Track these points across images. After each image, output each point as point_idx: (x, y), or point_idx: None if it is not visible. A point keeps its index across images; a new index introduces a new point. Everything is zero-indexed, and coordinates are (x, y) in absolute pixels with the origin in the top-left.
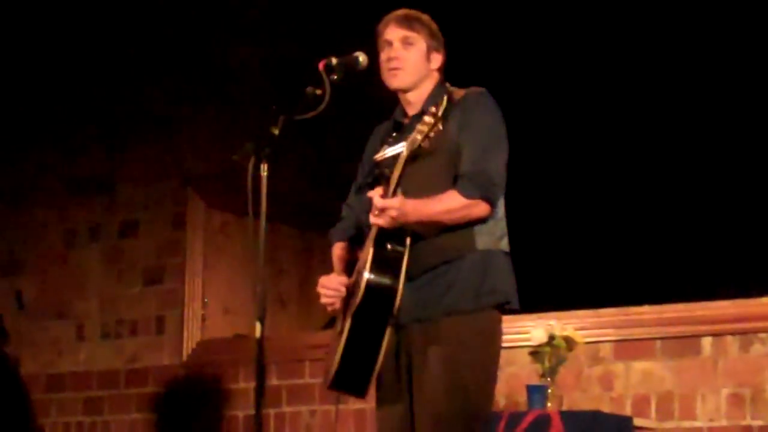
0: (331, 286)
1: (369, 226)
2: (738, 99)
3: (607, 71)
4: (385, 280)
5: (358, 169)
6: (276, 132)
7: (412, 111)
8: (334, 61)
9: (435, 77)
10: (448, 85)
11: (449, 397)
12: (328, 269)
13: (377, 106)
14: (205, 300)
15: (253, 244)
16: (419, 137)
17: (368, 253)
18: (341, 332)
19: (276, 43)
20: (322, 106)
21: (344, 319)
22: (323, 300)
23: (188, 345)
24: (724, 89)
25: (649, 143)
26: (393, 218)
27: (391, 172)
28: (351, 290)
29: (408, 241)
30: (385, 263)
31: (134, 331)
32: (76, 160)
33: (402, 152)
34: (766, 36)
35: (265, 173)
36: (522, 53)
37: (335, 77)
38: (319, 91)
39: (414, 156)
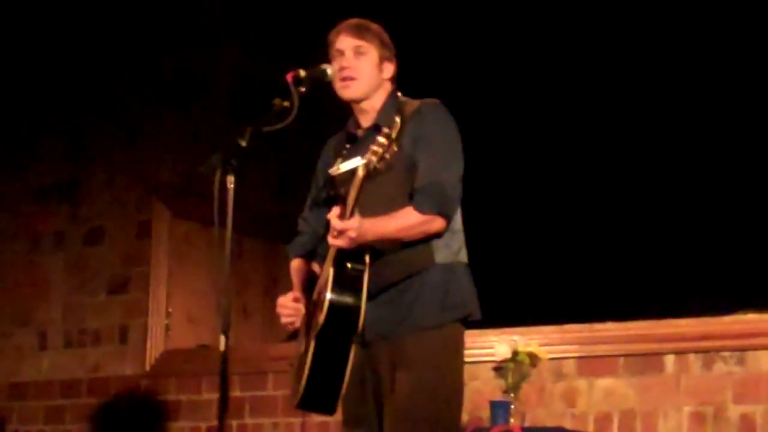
0: (289, 306)
1: (328, 246)
2: (704, 116)
3: (567, 76)
4: (348, 299)
5: (312, 182)
6: (243, 144)
7: (365, 122)
8: (302, 73)
9: (387, 87)
10: (400, 95)
11: (417, 413)
12: (291, 283)
13: (343, 118)
14: (169, 310)
15: (218, 257)
16: (374, 159)
17: (328, 273)
18: (305, 351)
19: (242, 53)
20: (290, 118)
21: (308, 338)
22: (282, 320)
23: (151, 355)
24: (693, 106)
25: (614, 160)
26: (352, 239)
27: (347, 193)
28: (313, 308)
29: (367, 258)
30: (346, 282)
31: (97, 340)
32: (41, 168)
33: (357, 173)
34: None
35: (232, 185)
36: (477, 61)
37: (303, 89)
38: (286, 103)
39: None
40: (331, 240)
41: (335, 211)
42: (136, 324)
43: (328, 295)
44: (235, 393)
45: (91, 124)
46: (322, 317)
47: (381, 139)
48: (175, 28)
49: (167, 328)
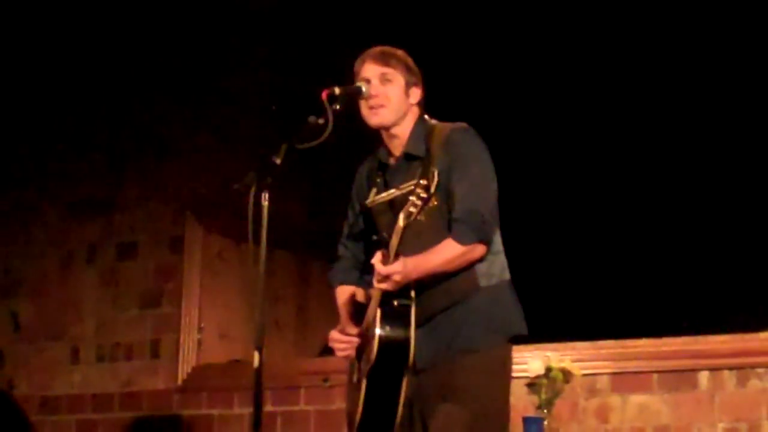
0: (343, 339)
1: (371, 284)
2: (736, 127)
3: (601, 101)
4: (397, 334)
5: (348, 210)
6: (278, 161)
7: (396, 149)
8: (337, 90)
9: (415, 112)
10: (427, 117)
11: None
12: (325, 296)
13: (375, 135)
14: (202, 325)
15: (252, 272)
16: (414, 210)
17: (375, 310)
18: (359, 383)
19: (277, 70)
20: (325, 136)
21: (359, 369)
22: (339, 354)
23: (183, 369)
24: (740, 128)
25: (645, 176)
26: (397, 282)
27: (390, 237)
28: (363, 339)
29: (413, 293)
30: (394, 317)
31: (129, 354)
32: (75, 183)
33: (399, 222)
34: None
35: (266, 202)
36: (506, 88)
37: (337, 107)
38: (321, 121)
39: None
40: (376, 284)
41: (378, 256)
42: (169, 339)
43: (378, 332)
44: (267, 408)
45: (126, 140)
46: (374, 354)
47: (421, 193)
48: (208, 46)
49: (199, 342)
